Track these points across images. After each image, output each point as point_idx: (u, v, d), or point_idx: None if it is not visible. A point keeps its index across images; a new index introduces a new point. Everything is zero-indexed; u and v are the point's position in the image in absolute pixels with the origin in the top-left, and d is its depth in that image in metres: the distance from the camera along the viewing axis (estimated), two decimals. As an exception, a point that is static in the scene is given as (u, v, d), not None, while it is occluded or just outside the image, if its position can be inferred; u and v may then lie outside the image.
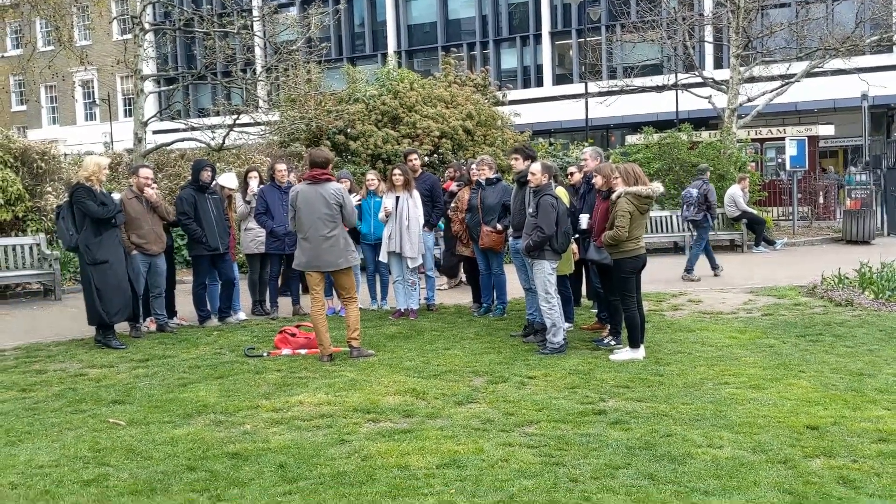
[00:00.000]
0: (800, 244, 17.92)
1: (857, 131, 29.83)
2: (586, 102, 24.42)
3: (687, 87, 22.57)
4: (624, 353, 7.19)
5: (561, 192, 8.41)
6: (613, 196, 7.21)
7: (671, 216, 17.33)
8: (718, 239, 17.34)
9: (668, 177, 18.24)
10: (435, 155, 16.70)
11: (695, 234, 13.28)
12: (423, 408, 5.68)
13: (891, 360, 6.81)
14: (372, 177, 10.15)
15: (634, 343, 7.18)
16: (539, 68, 37.48)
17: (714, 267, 13.05)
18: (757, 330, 8.32)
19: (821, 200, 21.85)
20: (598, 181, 7.73)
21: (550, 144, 19.05)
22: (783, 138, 20.97)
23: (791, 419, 5.21)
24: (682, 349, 7.50)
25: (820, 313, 9.12)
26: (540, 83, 37.35)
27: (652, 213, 17.24)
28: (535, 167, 7.53)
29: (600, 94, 23.25)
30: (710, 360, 7.03)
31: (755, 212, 17.20)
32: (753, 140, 22.18)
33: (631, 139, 21.56)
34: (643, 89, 22.88)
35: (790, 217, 20.10)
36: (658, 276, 12.88)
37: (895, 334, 7.79)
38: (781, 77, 19.83)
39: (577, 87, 31.36)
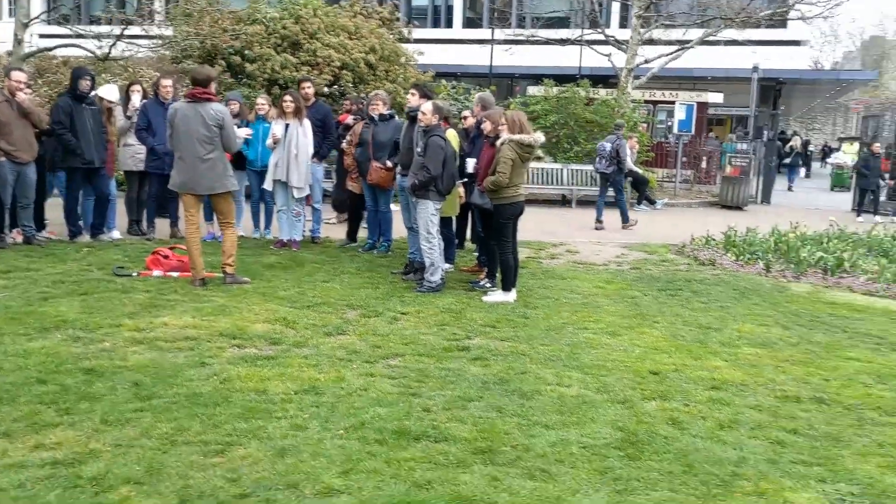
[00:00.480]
0: (679, 206, 18.73)
1: (748, 101, 31.26)
2: (491, 49, 24.42)
3: (590, 43, 22.91)
4: (496, 296, 7.42)
5: (451, 134, 8.49)
6: (497, 143, 7.33)
7: (562, 169, 17.78)
8: (607, 195, 17.97)
9: (563, 131, 18.66)
10: (335, 86, 16.44)
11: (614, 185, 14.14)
12: (291, 336, 5.72)
13: (738, 316, 7.30)
14: (262, 101, 9.93)
15: (507, 286, 7.42)
16: (450, 9, 37.05)
17: (625, 220, 13.98)
18: (623, 282, 8.73)
19: (703, 165, 22.81)
20: (486, 126, 7.83)
21: (453, 87, 19.03)
22: (674, 102, 21.66)
23: (637, 364, 5.55)
24: (550, 295, 7.80)
25: (683, 270, 9.63)
26: (450, 24, 36.97)
27: (542, 166, 17.69)
28: (427, 107, 7.55)
29: (505, 41, 23.30)
30: (575, 306, 7.35)
31: (641, 171, 17.80)
32: (647, 102, 22.82)
33: (532, 90, 21.75)
34: (547, 41, 23.08)
35: (674, 179, 20.94)
36: (545, 227, 13.29)
37: (747, 293, 8.33)
38: (678, 42, 20.39)
39: (485, 32, 31.23)
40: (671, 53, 20.08)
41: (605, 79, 26.54)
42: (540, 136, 7.44)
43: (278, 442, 3.86)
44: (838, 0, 19.37)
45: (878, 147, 18.18)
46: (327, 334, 5.86)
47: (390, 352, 5.50)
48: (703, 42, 21.15)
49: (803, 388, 5.25)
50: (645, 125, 23.51)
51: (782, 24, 31.84)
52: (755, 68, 22.40)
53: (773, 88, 35.73)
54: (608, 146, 13.87)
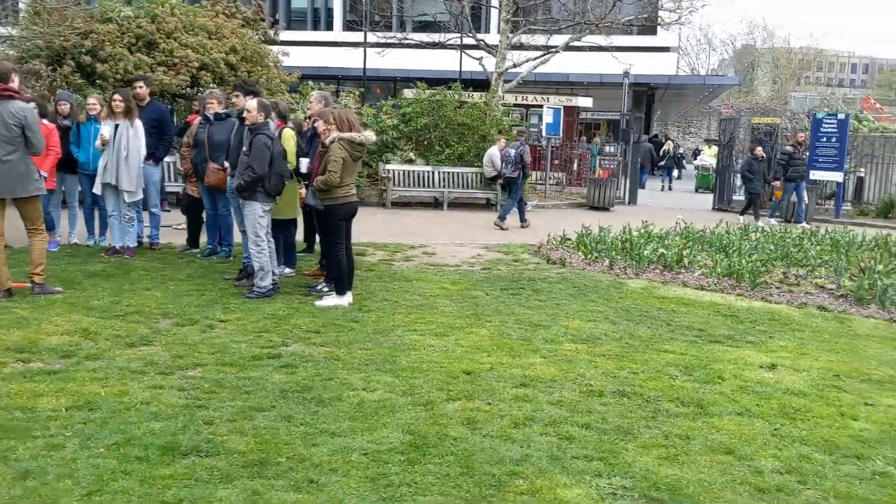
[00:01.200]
0: (548, 207, 19.06)
1: (621, 106, 32.29)
2: (364, 52, 24.23)
3: (464, 47, 23.08)
4: (329, 300, 7.23)
5: (288, 134, 8.27)
6: (327, 142, 7.15)
7: (433, 172, 17.77)
8: (475, 197, 18.11)
9: (435, 133, 18.67)
10: (195, 88, 15.91)
11: (511, 189, 15.05)
12: (86, 349, 5.36)
13: (571, 313, 7.37)
14: (93, 101, 9.41)
15: (340, 290, 7.24)
16: (329, 12, 36.73)
17: (522, 220, 14.72)
18: (469, 282, 8.71)
19: (575, 168, 23.34)
20: (319, 126, 7.64)
21: (321, 88, 18.69)
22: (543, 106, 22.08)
23: (454, 365, 5.47)
24: (391, 297, 7.67)
25: (531, 269, 9.71)
26: (330, 27, 36.65)
27: (414, 168, 17.63)
28: (251, 104, 7.30)
29: (378, 44, 23.16)
30: (412, 308, 7.25)
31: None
32: (521, 106, 23.16)
33: (408, 93, 21.70)
34: (421, 45, 23.09)
35: (546, 181, 21.30)
36: (409, 229, 13.20)
37: (585, 290, 8.45)
38: (545, 47, 20.77)
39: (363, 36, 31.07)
40: (538, 57, 20.43)
41: (482, 83, 26.86)
42: (371, 135, 7.30)
43: (24, 463, 3.55)
44: (693, 7, 20.16)
45: (760, 151, 17.50)
46: (129, 345, 5.53)
47: (191, 362, 5.23)
48: (571, 48, 21.64)
49: (610, 382, 5.29)
50: (524, 129, 23.98)
51: (652, 31, 33.08)
52: (626, 74, 23.12)
53: (645, 93, 37.08)
54: (513, 152, 14.90)
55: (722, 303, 8.13)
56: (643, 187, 30.60)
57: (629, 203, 21.07)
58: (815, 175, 18.74)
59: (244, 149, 7.26)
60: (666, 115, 58.29)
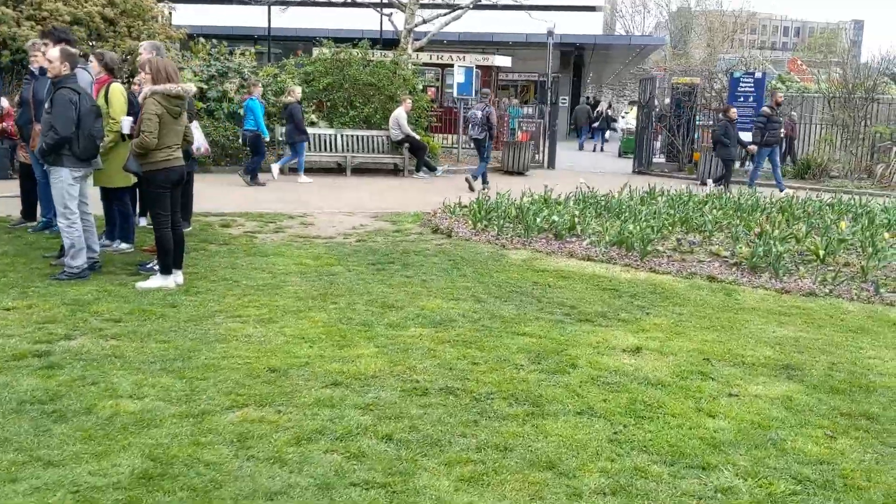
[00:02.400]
0: (461, 172, 18.17)
1: (553, 67, 31.43)
2: (269, 10, 22.86)
3: (374, 5, 21.95)
4: (153, 281, 6.30)
5: (116, 89, 7.25)
6: (140, 97, 6.17)
7: (335, 135, 16.75)
8: (382, 162, 17.17)
9: (338, 93, 17.62)
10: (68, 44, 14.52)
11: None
12: None
13: (435, 291, 6.60)
14: None
15: (165, 269, 6.31)
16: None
17: (485, 182, 14.57)
18: (334, 256, 7.86)
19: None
20: (142, 77, 6.63)
21: (213, 47, 17.43)
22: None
23: (262, 360, 4.64)
24: (233, 276, 6.78)
25: (411, 240, 8.91)
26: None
27: (316, 131, 16.57)
28: (52, 53, 6.26)
29: (282, 2, 21.86)
30: (252, 289, 6.38)
31: (418, 136, 17.11)
32: (435, 65, 22.17)
33: (317, 52, 20.51)
34: (329, 3, 21.88)
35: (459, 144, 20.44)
36: (301, 197, 12.26)
37: (460, 264, 7.68)
38: (455, 5, 19.81)
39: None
40: (449, 12, 19.46)
41: (394, 42, 25.79)
42: (190, 87, 6.31)
43: None
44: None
45: (734, 113, 15.86)
46: None
47: (-73, 365, 4.29)
48: (490, 6, 20.72)
49: (442, 375, 4.53)
50: (434, 89, 23.01)
51: (580, -11, 32.35)
52: (550, 33, 22.27)
53: (572, 54, 36.35)
54: (479, 113, 14.67)
55: (604, 275, 7.45)
56: (581, 148, 30.37)
57: (548, 167, 20.41)
58: (732, 136, 18.32)
59: (46, 106, 6.23)
60: (599, 78, 57.94)
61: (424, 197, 12.84)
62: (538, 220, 9.35)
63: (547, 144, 20.83)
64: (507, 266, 7.68)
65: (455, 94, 18.93)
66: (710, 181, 16.10)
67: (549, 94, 21.56)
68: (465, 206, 10.67)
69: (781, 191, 14.96)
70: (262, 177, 13.96)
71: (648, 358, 5.05)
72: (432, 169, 17.14)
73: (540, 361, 4.87)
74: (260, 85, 15.02)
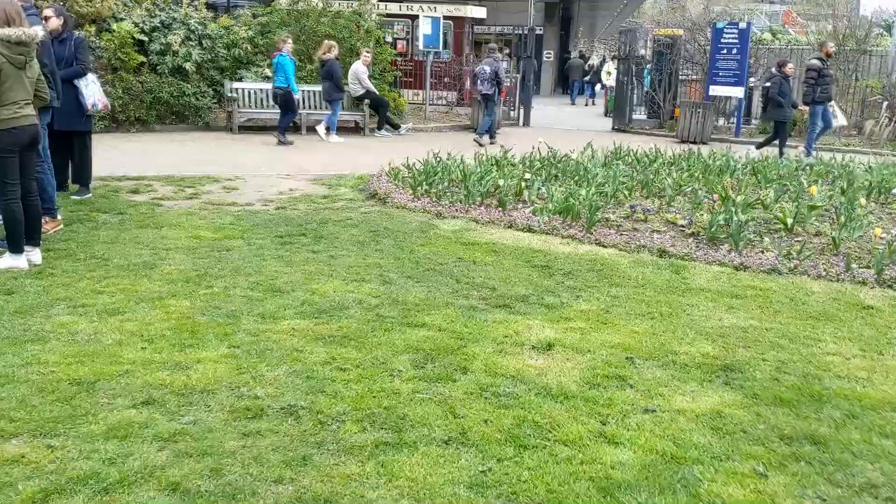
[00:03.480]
0: (427, 130, 17.18)
1: (536, 20, 30.08)
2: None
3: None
4: (3, 260, 5.38)
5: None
6: (-25, 44, 5.19)
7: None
8: (343, 120, 16.10)
9: (295, 46, 16.48)
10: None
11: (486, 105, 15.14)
12: None
13: (340, 269, 5.70)
14: None
15: (14, 247, 5.39)
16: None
17: (492, 137, 15.02)
18: (239, 228, 6.95)
19: (467, 86, 21.40)
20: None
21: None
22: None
23: (70, 368, 3.76)
24: (105, 254, 5.87)
25: (338, 207, 7.99)
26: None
27: (267, 87, 15.48)
28: None
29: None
30: (118, 269, 5.47)
31: (378, 92, 16.06)
32: (403, 16, 20.94)
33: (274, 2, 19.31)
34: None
35: (431, 102, 19.36)
36: (239, 158, 11.32)
37: (381, 236, 6.77)
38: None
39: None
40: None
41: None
42: (37, 31, 5.30)
43: None
44: None
45: (791, 68, 14.01)
46: None
47: None
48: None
49: (293, 388, 3.66)
50: (404, 42, 21.83)
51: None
52: (529, -20, 21.06)
53: (557, 6, 34.95)
54: (488, 69, 14.78)
55: (541, 248, 6.55)
56: (573, 103, 29.59)
57: (523, 125, 19.38)
58: (714, 90, 17.32)
59: None
60: (591, 32, 56.29)
61: (379, 158, 11.84)
62: (482, 184, 8.42)
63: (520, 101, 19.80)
64: (433, 238, 6.77)
65: (421, 47, 17.80)
66: (752, 148, 14.06)
67: (522, 46, 20.43)
68: (410, 169, 9.71)
69: (808, 155, 13.40)
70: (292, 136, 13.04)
71: (559, 358, 4.18)
72: (395, 127, 16.12)
73: (425, 364, 4.00)
74: (290, 40, 14.35)
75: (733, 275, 5.98)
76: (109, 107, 8.19)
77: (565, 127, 19.58)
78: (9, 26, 5.09)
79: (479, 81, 15.13)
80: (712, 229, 6.88)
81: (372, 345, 4.25)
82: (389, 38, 20.47)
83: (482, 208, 7.89)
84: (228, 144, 13.10)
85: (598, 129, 18.83)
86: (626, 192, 8.44)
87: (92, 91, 7.70)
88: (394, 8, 20.76)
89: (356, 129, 16.16)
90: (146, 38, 14.62)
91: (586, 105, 28.95)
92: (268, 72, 16.37)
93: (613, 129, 19.16)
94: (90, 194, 7.91)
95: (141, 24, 14.73)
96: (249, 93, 15.34)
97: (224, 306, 4.79)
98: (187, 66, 14.72)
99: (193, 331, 4.33)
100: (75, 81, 7.61)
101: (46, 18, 7.54)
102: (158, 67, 14.62)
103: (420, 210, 7.88)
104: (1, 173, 5.30)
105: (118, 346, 4.05)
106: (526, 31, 20.50)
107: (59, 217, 6.55)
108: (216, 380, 3.70)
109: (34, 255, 5.50)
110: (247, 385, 3.66)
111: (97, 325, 4.36)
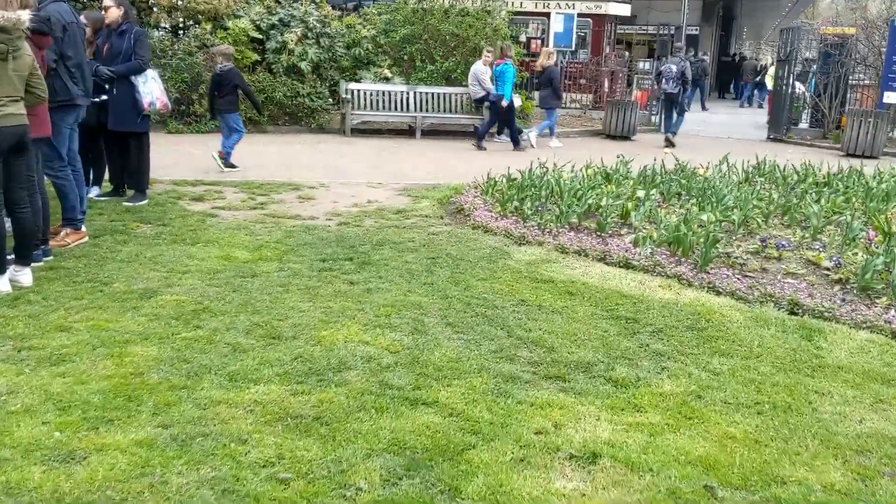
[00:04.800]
0: (556, 135, 15.82)
1: (691, 19, 27.94)
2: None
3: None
4: (-18, 282, 4.69)
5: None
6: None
7: (407, 92, 14.80)
8: (459, 123, 15.11)
9: (416, 46, 15.64)
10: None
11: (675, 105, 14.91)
12: None
13: (371, 308, 4.62)
14: None
15: (-3, 267, 4.68)
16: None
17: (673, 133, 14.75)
18: (284, 247, 6.02)
19: (605, 88, 19.83)
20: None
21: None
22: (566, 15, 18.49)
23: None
24: (109, 276, 5.08)
25: (406, 226, 6.92)
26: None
27: (382, 88, 14.71)
28: None
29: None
30: (109, 298, 4.65)
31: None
32: (539, 15, 19.62)
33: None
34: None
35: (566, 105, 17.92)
36: (334, 163, 10.56)
37: (439, 265, 5.63)
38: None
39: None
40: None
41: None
42: (24, 15, 4.53)
43: None
44: None
45: None
46: None
47: None
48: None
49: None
50: (540, 41, 20.52)
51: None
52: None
53: (717, 4, 32.37)
54: (674, 68, 14.56)
55: (632, 293, 5.17)
56: (742, 106, 27.58)
57: (664, 130, 17.60)
58: (890, 97, 14.92)
59: None
60: (757, 33, 52.40)
61: (490, 165, 10.69)
62: (579, 202, 7.09)
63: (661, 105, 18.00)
64: (500, 271, 5.55)
65: (552, 46, 16.48)
66: None
67: (668, 46, 18.65)
68: (514, 180, 8.46)
69: None
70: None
71: (602, 480, 2.88)
72: (518, 132, 14.90)
73: (401, 478, 2.83)
74: (513, 48, 14.33)
75: (889, 347, 4.39)
76: (170, 107, 7.53)
77: (713, 134, 17.65)
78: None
79: (663, 80, 14.82)
80: (866, 276, 5.25)
81: (345, 436, 3.12)
82: (523, 38, 19.31)
83: (575, 233, 6.58)
84: (335, 148, 12.38)
85: (751, 138, 16.79)
86: (761, 220, 6.84)
87: (150, 89, 7.04)
88: (529, 5, 19.55)
89: (474, 134, 15.09)
90: (262, 36, 14.22)
91: (760, 107, 26.64)
92: (387, 73, 15.65)
93: (769, 138, 17.06)
94: (145, 201, 7.26)
95: (258, 22, 14.35)
96: (365, 94, 14.60)
97: (195, 359, 3.82)
98: (303, 65, 14.18)
99: (130, 396, 3.37)
100: (132, 78, 6.98)
101: (106, 8, 6.97)
102: (273, 66, 14.17)
103: (500, 232, 6.67)
104: None
105: (17, 417, 3.15)
106: (672, 31, 18.71)
107: (83, 228, 5.85)
108: (103, 484, 2.70)
109: (23, 275, 4.78)
110: (137, 497, 2.63)
111: (20, 379, 3.49)
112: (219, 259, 5.62)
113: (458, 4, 16.17)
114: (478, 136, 13.48)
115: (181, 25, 14.91)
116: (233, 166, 9.44)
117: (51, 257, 5.34)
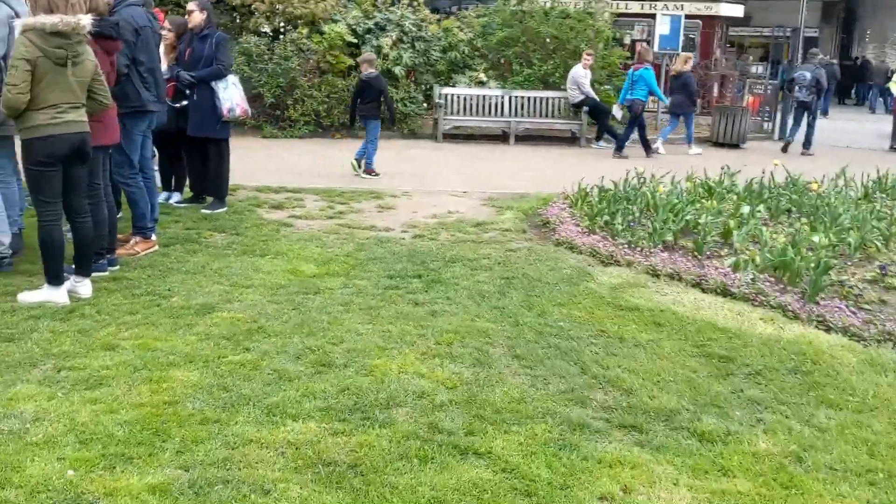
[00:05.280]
0: (654, 142, 15.08)
1: (810, 20, 26.31)
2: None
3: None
4: (39, 293, 4.58)
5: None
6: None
7: (502, 97, 14.35)
8: (556, 129, 14.59)
9: (514, 49, 15.24)
10: None
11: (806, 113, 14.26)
12: None
13: (433, 334, 4.27)
14: None
15: (51, 277, 4.55)
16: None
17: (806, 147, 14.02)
18: (353, 261, 5.74)
19: (715, 93, 18.82)
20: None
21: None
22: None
23: None
24: (169, 289, 4.92)
25: (483, 241, 6.53)
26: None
27: (475, 92, 14.37)
28: None
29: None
30: (164, 314, 4.46)
31: (597, 98, 14.31)
32: (644, 16, 18.80)
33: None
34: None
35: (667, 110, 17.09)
36: (421, 169, 10.27)
37: (514, 286, 5.21)
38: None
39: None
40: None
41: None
42: (84, 20, 4.36)
43: None
44: None
45: None
46: None
47: None
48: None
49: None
50: (646, 44, 19.66)
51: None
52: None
53: (837, 5, 30.48)
54: (808, 75, 14.06)
55: (727, 326, 4.61)
56: (873, 111, 26.03)
57: (778, 138, 16.56)
58: None
59: None
60: (882, 35, 49.29)
61: (584, 173, 10.16)
62: (675, 219, 6.52)
63: (780, 110, 16.92)
64: (580, 295, 5.09)
65: (656, 49, 15.72)
66: None
67: (783, 49, 17.50)
68: (608, 190, 7.93)
69: None
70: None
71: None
72: (616, 138, 14.27)
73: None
74: (651, 51, 14.21)
75: None
76: (250, 113, 7.40)
77: (831, 142, 16.44)
78: (52, 13, 4.24)
79: (796, 88, 14.21)
80: None
81: (379, 491, 2.77)
82: (627, 40, 18.56)
83: (669, 253, 6.03)
84: (424, 154, 12.14)
85: (873, 148, 15.54)
86: (880, 244, 6.10)
87: (230, 94, 6.92)
88: (634, 6, 18.77)
89: (572, 140, 14.56)
90: (358, 41, 14.12)
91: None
92: (482, 77, 15.31)
93: (891, 148, 15.75)
94: (223, 209, 7.13)
95: (354, 26, 14.26)
96: (459, 98, 14.28)
97: (236, 387, 3.55)
98: (397, 69, 13.99)
99: (158, 430, 3.12)
100: (212, 83, 6.87)
101: (189, 12, 6.89)
102: (365, 72, 14.03)
103: (586, 250, 6.19)
104: (35, 189, 4.50)
105: (35, 450, 2.94)
106: (789, 33, 17.58)
107: (153, 237, 5.74)
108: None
109: (82, 286, 4.66)
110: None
111: (50, 405, 3.30)
112: (285, 273, 5.38)
113: (558, 6, 15.67)
114: (617, 146, 13.06)
115: (281, 30, 15.02)
116: (374, 173, 9.59)
117: (117, 267, 5.24)
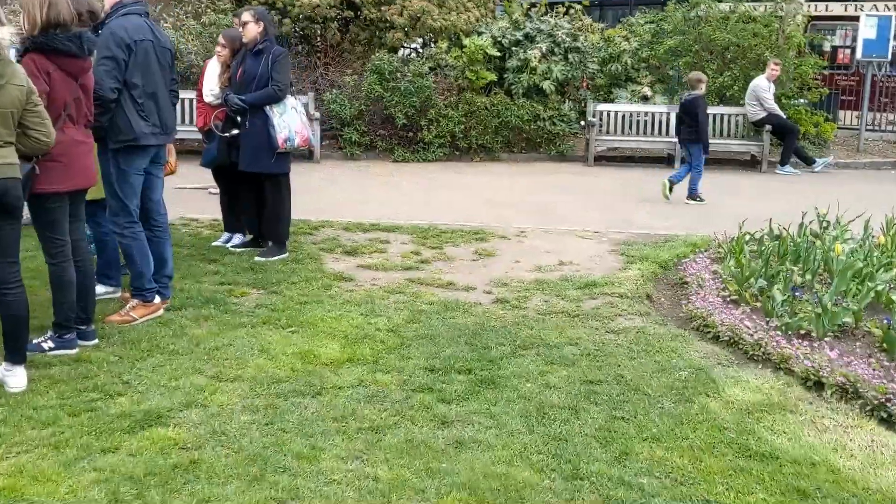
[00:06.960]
0: (856, 166, 12.51)
1: None
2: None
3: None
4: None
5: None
6: None
7: (666, 115, 12.39)
8: (734, 151, 12.43)
9: (684, 59, 13.21)
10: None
11: None
12: None
13: (443, 488, 2.79)
14: None
15: (13, 355, 3.52)
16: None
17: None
18: (393, 341, 4.35)
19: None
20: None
21: (533, 4, 14.27)
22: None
23: None
24: (134, 380, 3.77)
25: (583, 313, 4.87)
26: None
27: (633, 109, 12.57)
28: None
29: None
30: (85, 430, 3.29)
31: (783, 115, 12.00)
32: (849, 19, 15.94)
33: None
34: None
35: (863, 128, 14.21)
36: (553, 198, 8.79)
37: (596, 392, 3.59)
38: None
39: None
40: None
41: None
42: (2, 32, 3.28)
43: None
44: None
45: None
46: None
47: None
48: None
49: None
50: (850, 50, 16.70)
51: None
52: None
53: None
54: None
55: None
56: None
57: None
58: None
59: None
60: None
61: (759, 208, 8.12)
62: (859, 293, 4.55)
63: None
64: (690, 422, 3.37)
65: (860, 56, 13.08)
66: None
67: None
68: (762, 243, 5.98)
69: None
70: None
71: None
72: (808, 161, 11.91)
73: None
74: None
75: None
76: (312, 142, 6.23)
77: None
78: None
79: None
80: None
81: None
82: (827, 47, 15.85)
83: (844, 344, 4.11)
84: (566, 180, 10.57)
85: None
86: None
87: (287, 121, 5.77)
88: (836, 8, 16.02)
89: (751, 164, 12.37)
90: (501, 54, 12.75)
91: None
92: (647, 91, 13.40)
93: None
94: (281, 255, 5.98)
95: (500, 38, 12.92)
96: (616, 116, 12.51)
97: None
98: (545, 84, 12.46)
99: None
100: (266, 108, 5.75)
101: (243, 24, 5.83)
102: (513, 87, 12.63)
103: (724, 334, 4.40)
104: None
105: None
106: None
107: (156, 300, 4.64)
108: None
109: (12, 376, 3.59)
110: None
111: None
112: (295, 357, 4.09)
113: (739, 8, 13.43)
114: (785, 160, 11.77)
115: (419, 47, 14.00)
116: (699, 199, 8.98)
117: (94, 341, 4.18)
